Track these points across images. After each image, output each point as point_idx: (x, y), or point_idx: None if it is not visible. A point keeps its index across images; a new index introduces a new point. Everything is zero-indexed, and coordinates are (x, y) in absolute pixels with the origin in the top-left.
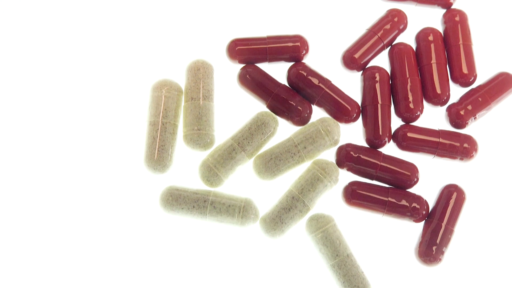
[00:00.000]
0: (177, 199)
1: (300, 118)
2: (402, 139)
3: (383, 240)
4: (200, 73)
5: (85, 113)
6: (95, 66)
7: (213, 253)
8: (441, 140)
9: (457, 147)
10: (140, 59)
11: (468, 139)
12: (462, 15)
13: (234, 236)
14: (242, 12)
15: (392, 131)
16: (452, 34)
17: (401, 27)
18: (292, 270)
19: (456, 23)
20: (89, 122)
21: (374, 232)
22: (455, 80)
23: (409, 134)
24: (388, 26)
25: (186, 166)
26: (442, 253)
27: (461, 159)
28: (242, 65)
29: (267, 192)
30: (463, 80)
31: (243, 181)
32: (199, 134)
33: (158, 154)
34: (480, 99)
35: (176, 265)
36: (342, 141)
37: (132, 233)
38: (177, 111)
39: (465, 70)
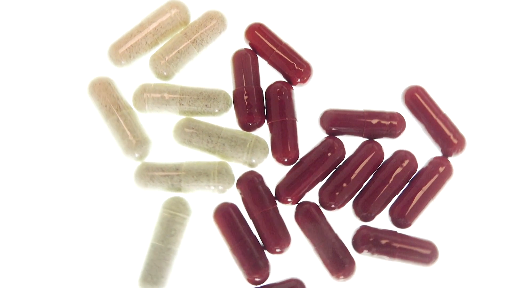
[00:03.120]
0: (102, 91)
1: (246, 124)
2: (302, 215)
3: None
4: (210, 23)
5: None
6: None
7: None
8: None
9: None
10: None
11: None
12: (448, 170)
13: None
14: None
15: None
16: (415, 176)
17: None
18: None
19: (435, 172)
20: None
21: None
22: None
23: (310, 215)
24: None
25: (135, 79)
26: None
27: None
28: (249, 48)
29: (180, 154)
30: None
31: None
32: (163, 64)
33: (126, 49)
34: (393, 248)
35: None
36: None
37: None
38: (167, 34)
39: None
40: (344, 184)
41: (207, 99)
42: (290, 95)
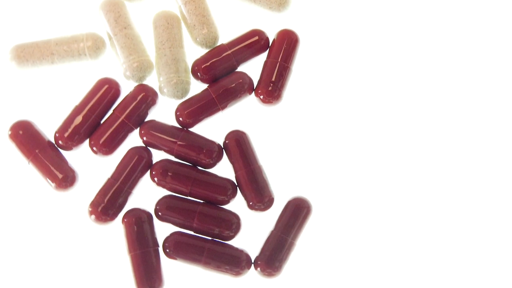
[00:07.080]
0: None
1: (197, 69)
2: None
3: None
4: None
5: None
6: None
7: None
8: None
9: None
10: None
11: None
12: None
13: None
14: None
15: None
16: None
17: None
18: None
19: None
20: None
21: None
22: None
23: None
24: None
25: None
26: None
27: None
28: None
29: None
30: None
31: None
32: None
33: None
34: None
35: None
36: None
37: None
38: None
39: None
40: None
41: (195, 23)
42: (242, 93)
